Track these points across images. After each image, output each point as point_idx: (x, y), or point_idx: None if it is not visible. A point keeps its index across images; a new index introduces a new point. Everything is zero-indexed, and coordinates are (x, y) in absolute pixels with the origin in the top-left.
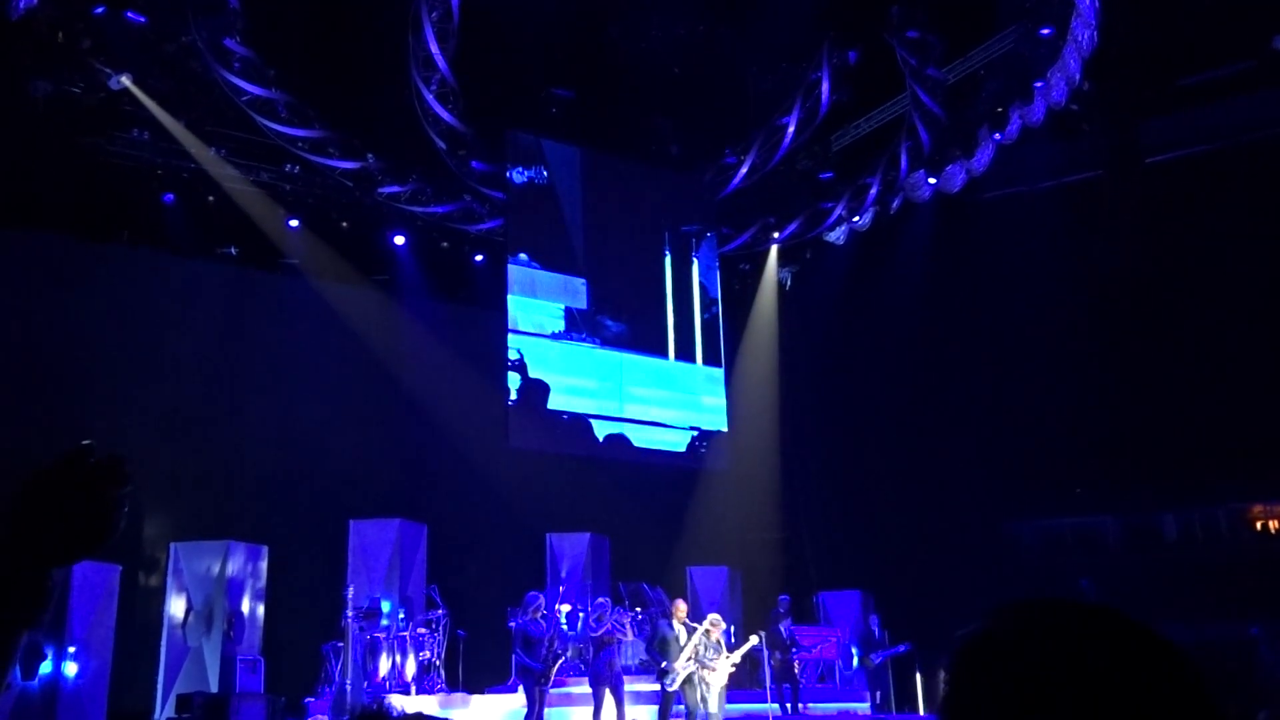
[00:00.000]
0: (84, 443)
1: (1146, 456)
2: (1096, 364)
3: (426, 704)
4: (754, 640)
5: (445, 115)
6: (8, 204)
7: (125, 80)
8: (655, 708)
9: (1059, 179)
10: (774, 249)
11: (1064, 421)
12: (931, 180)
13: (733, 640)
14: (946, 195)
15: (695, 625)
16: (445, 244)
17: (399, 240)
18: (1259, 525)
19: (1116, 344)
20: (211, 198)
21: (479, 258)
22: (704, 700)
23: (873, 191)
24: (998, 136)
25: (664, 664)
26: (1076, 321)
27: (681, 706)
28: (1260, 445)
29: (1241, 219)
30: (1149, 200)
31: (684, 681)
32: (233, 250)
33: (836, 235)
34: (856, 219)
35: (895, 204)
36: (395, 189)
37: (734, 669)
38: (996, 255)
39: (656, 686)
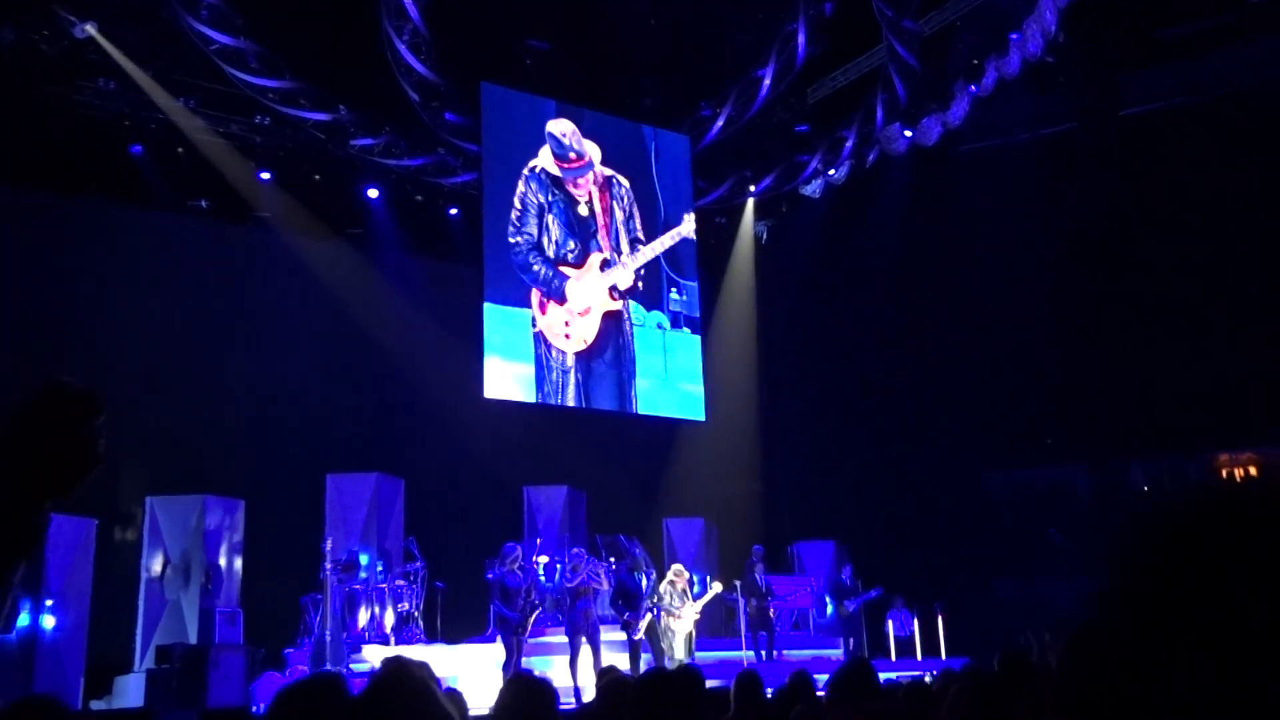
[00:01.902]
0: (57, 377)
1: (1117, 407)
2: (1069, 316)
3: (409, 655)
4: (717, 588)
5: (418, 66)
6: None
7: (91, 29)
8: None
9: (1035, 132)
10: (750, 202)
11: (1036, 373)
12: (907, 133)
13: (706, 589)
14: (922, 148)
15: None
16: (419, 197)
17: (373, 194)
18: (1226, 474)
19: (1089, 296)
20: (181, 150)
21: (453, 211)
22: (671, 647)
23: (848, 144)
24: (974, 89)
25: (626, 615)
26: (1050, 274)
27: (648, 655)
28: (1228, 395)
29: (1216, 173)
30: (1124, 153)
31: (649, 629)
32: (204, 203)
33: (813, 188)
34: (832, 172)
35: (871, 157)
36: (368, 141)
37: (699, 616)
38: (972, 208)
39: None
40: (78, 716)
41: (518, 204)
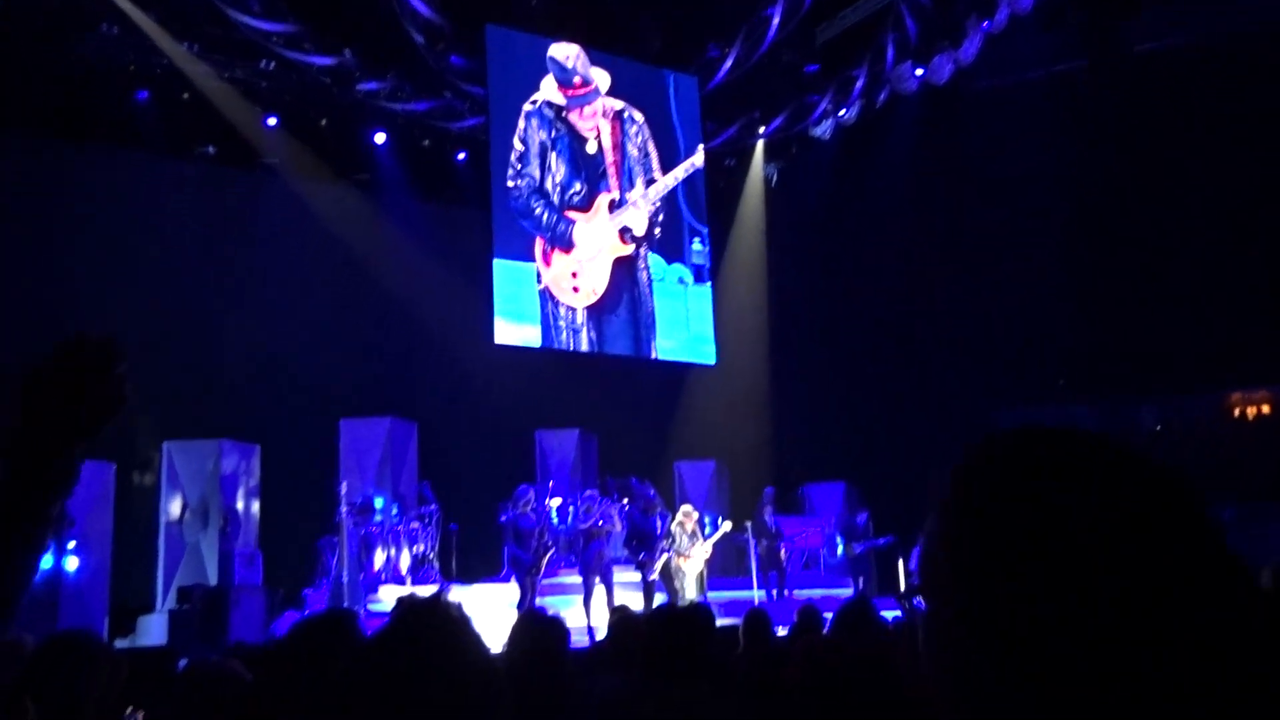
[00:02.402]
0: (77, 332)
1: (1126, 346)
2: (1080, 254)
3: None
4: (727, 527)
5: (422, 8)
6: None
7: None
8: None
9: (1047, 69)
10: (760, 144)
11: (1047, 312)
12: (918, 72)
13: (717, 529)
14: (934, 87)
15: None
16: (426, 142)
17: (379, 139)
18: (1236, 413)
19: (1100, 234)
20: (186, 96)
21: (461, 156)
22: (682, 587)
23: (859, 84)
24: (986, 26)
25: (641, 556)
26: (1061, 212)
27: (662, 595)
28: (1239, 334)
29: (1228, 111)
30: (1135, 91)
31: (664, 570)
32: (210, 150)
33: (822, 129)
34: (843, 112)
35: (882, 97)
36: (373, 85)
37: (708, 555)
38: (983, 147)
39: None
40: (111, 651)
41: (518, 143)
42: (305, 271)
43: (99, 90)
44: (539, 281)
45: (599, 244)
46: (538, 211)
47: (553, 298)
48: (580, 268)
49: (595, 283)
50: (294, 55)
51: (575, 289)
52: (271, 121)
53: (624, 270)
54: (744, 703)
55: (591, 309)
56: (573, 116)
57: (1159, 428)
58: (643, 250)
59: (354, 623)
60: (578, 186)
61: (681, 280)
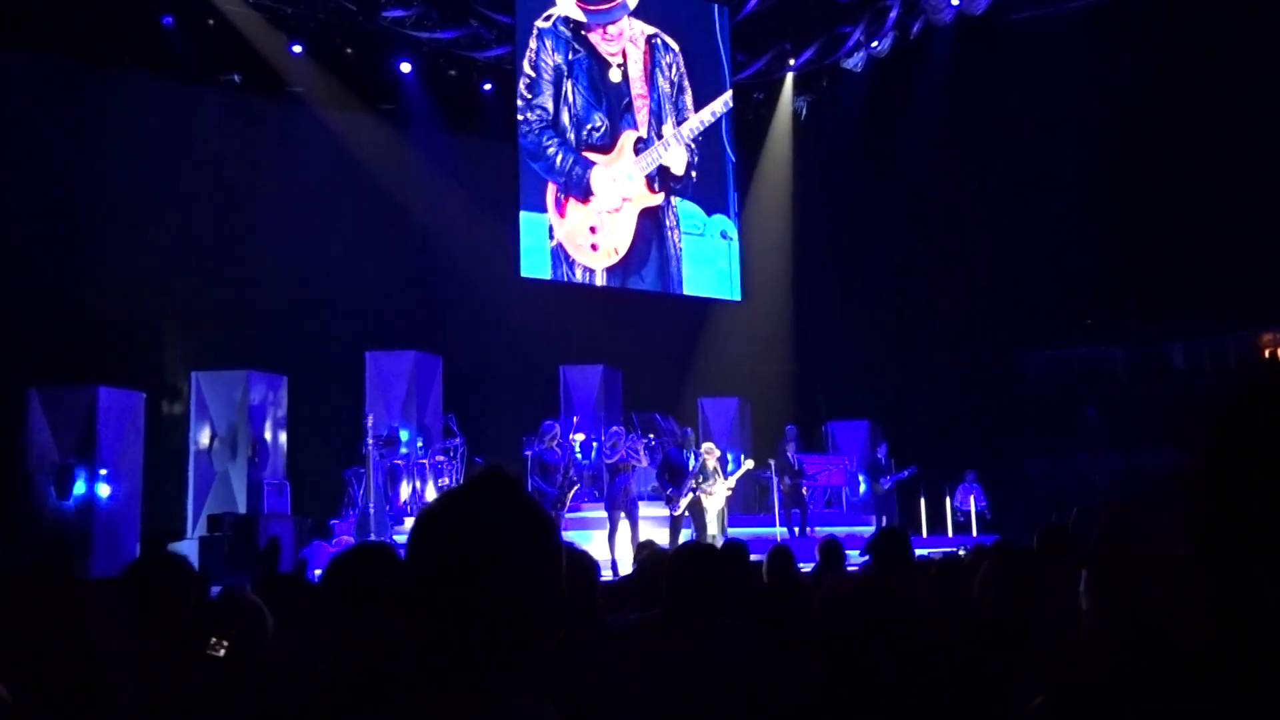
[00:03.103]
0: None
1: (1156, 286)
2: (1109, 193)
3: None
4: (749, 465)
5: None
6: (2, 24)
7: None
8: (667, 531)
9: None
10: (789, 77)
11: (1075, 252)
12: (954, 2)
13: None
14: (969, 18)
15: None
16: (453, 72)
17: (405, 68)
18: (1268, 353)
19: (1130, 173)
20: (211, 21)
21: (487, 86)
22: (704, 524)
23: (892, 15)
24: None
25: (669, 490)
26: (1094, 149)
27: (689, 531)
28: (1270, 274)
29: (1268, 45)
30: (1175, 22)
31: (693, 506)
32: (236, 78)
33: (854, 62)
34: (875, 44)
35: (916, 28)
36: (400, 13)
37: (730, 493)
38: (1018, 81)
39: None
40: (198, 575)
41: (528, 69)
42: (332, 202)
43: (126, 14)
44: (550, 237)
45: (622, 192)
46: (550, 151)
47: (567, 257)
48: (600, 221)
49: (618, 240)
50: None
51: (594, 246)
52: (297, 49)
53: (651, 224)
54: (768, 636)
55: (613, 270)
56: (594, 37)
57: (1186, 368)
58: (673, 201)
59: (393, 555)
60: (598, 121)
61: (725, 234)
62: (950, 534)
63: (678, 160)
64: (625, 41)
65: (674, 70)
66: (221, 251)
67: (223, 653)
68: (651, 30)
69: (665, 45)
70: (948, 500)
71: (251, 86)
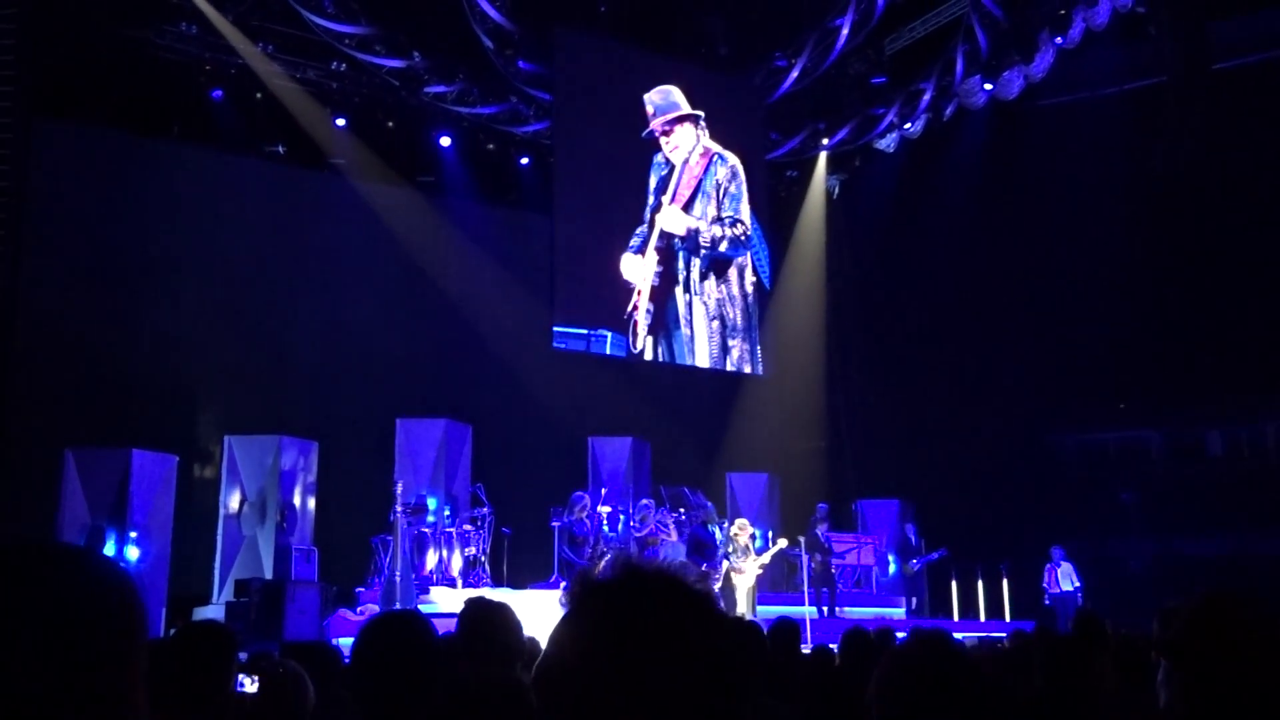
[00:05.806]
0: None
1: (1193, 372)
2: (1145, 277)
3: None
4: (782, 544)
5: (492, 12)
6: (57, 96)
7: None
8: None
9: (1121, 85)
10: (823, 155)
11: (1111, 335)
12: (988, 86)
13: (769, 544)
14: (1002, 101)
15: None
16: (491, 146)
17: (445, 141)
18: None
19: (1166, 257)
20: (259, 95)
21: (524, 160)
22: (733, 601)
23: (926, 97)
24: (1059, 40)
25: (705, 566)
26: (1128, 233)
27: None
28: None
29: None
30: (1214, 107)
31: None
32: (280, 149)
33: (887, 142)
34: (908, 125)
35: (949, 110)
36: (441, 89)
37: (761, 570)
38: (1051, 164)
39: None
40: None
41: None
42: (368, 272)
43: (176, 87)
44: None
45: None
46: None
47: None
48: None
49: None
50: (365, 57)
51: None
52: (340, 122)
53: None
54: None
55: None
56: (658, 130)
57: (1223, 454)
58: (694, 261)
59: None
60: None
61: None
62: (982, 618)
63: (676, 223)
64: (683, 138)
65: (727, 179)
66: (258, 317)
67: None
68: (718, 148)
69: (723, 157)
70: (979, 583)
71: (293, 157)
